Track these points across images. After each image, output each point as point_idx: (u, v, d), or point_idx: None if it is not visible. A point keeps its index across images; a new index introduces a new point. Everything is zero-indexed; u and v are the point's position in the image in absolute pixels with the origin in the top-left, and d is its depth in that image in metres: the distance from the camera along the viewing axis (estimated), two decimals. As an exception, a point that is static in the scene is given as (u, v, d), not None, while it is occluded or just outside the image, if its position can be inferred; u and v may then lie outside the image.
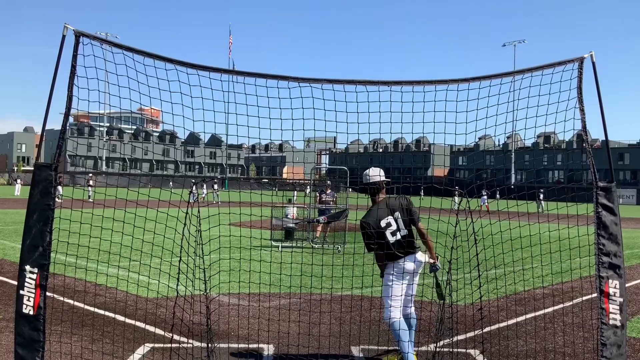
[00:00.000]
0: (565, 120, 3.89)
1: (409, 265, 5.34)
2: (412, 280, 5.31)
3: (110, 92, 4.12)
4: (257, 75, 3.68)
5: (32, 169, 3.74)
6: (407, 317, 5.37)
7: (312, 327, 6.79)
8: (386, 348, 6.20)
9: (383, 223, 5.34)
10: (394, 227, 5.33)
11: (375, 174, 5.49)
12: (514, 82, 4.16)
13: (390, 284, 5.24)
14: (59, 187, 35.61)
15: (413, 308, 5.46)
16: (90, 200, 24.45)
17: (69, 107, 3.70)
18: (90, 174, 47.32)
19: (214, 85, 3.87)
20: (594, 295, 8.45)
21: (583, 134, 3.98)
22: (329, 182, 18.34)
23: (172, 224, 4.05)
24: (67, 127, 4.23)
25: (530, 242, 5.47)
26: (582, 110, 3.95)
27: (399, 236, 5.34)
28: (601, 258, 3.76)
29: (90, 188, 35.86)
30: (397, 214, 5.37)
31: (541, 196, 34.61)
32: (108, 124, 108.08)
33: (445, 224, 4.11)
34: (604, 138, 4.00)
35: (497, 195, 37.37)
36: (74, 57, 3.69)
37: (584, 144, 4.01)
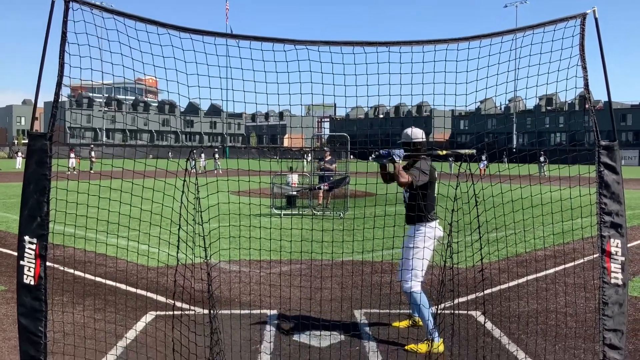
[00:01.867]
0: (567, 79, 3.82)
1: (439, 232, 5.30)
2: (431, 248, 5.23)
3: (104, 59, 4.03)
4: (253, 39, 3.59)
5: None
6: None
7: (314, 292, 6.84)
8: (388, 311, 6.25)
9: (436, 175, 5.25)
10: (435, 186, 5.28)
11: (419, 133, 5.30)
12: (515, 41, 4.07)
13: (420, 251, 5.02)
14: (72, 160, 35.65)
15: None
16: (92, 172, 24.50)
17: (61, 74, 3.63)
18: (92, 146, 47.18)
19: (210, 52, 3.79)
20: (596, 256, 8.50)
21: (585, 92, 3.91)
22: (327, 148, 18.27)
23: (173, 193, 4.03)
24: (64, 97, 4.16)
25: (531, 203, 5.45)
26: (584, 68, 3.87)
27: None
28: (603, 217, 3.74)
29: (91, 160, 35.84)
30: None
31: (542, 159, 34.50)
32: (107, 95, 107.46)
33: (445, 186, 4.08)
34: (606, 99, 3.93)
35: (505, 158, 37.14)
36: (64, 22, 3.60)
37: (586, 103, 3.95)
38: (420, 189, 5.10)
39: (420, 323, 5.56)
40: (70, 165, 33.47)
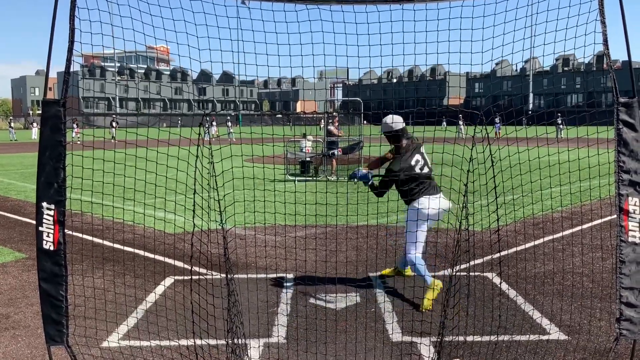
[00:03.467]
0: (585, 34, 3.70)
1: (445, 203, 5.50)
2: (436, 219, 5.42)
3: (114, 23, 4.00)
4: (262, -1, 3.53)
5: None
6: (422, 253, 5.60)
7: (330, 256, 6.89)
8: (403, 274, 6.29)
9: (413, 161, 5.45)
10: (422, 162, 5.49)
11: (399, 120, 5.51)
12: (533, -4, 3.95)
13: (413, 224, 5.39)
14: (113, 129, 35.94)
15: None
16: (113, 140, 24.65)
17: (72, 39, 3.60)
18: (114, 115, 47.32)
19: (220, 14, 3.73)
20: (612, 217, 8.44)
21: (604, 48, 3.80)
22: (335, 114, 18.12)
23: (187, 158, 4.04)
24: (77, 67, 4.14)
25: (548, 163, 5.38)
26: (603, 23, 3.75)
27: (427, 170, 5.50)
28: (621, 175, 3.68)
29: (113, 129, 36.10)
30: (423, 149, 5.59)
31: (559, 121, 33.93)
32: (119, 64, 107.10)
33: (461, 147, 4.03)
34: (624, 58, 3.83)
35: (524, 119, 36.58)
36: (73, -13, 3.56)
37: (605, 59, 3.84)
38: (405, 175, 5.38)
39: (407, 273, 6.21)
40: (73, 136, 33.70)
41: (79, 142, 4.59)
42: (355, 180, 5.56)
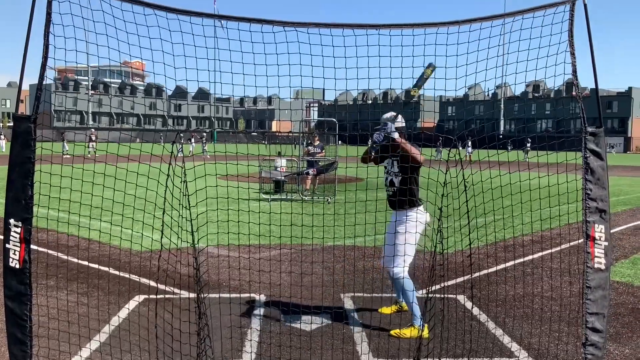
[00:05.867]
0: (556, 64, 3.81)
1: (428, 217, 5.29)
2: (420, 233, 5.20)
3: (89, 40, 3.97)
4: (241, 20, 3.55)
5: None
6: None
7: (303, 277, 6.86)
8: (374, 296, 6.29)
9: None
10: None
11: (399, 118, 5.24)
12: (504, 26, 4.06)
13: (411, 236, 5.02)
14: (65, 144, 35.31)
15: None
16: (89, 156, 24.27)
17: (45, 55, 3.56)
18: (92, 130, 46.50)
19: (197, 33, 3.74)
20: (579, 241, 8.59)
21: (573, 79, 3.92)
22: (316, 133, 18.19)
23: (158, 176, 4.00)
24: (49, 80, 4.09)
25: (520, 189, 5.48)
26: (572, 54, 3.88)
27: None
28: (588, 203, 3.77)
29: (91, 144, 35.34)
30: None
31: (528, 145, 34.71)
32: (93, 78, 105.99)
33: (435, 171, 4.08)
34: (592, 86, 3.96)
35: (509, 146, 37.13)
36: (49, 3, 3.53)
37: (574, 89, 3.96)
38: (412, 174, 5.11)
39: (406, 308, 5.61)
40: (64, 149, 33.26)
41: (90, 157, 4.50)
42: (383, 142, 5.02)
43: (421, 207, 5.25)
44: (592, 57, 3.83)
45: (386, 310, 5.87)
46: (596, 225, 3.75)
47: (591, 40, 3.87)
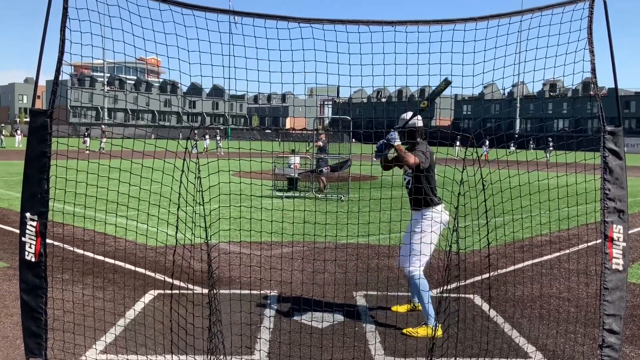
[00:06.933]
0: (574, 62, 3.76)
1: (445, 216, 5.24)
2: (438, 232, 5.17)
3: (105, 35, 3.98)
4: (255, 16, 3.53)
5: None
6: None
7: (315, 274, 6.85)
8: (387, 294, 6.26)
9: (435, 160, 5.19)
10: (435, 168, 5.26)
11: (418, 116, 5.21)
12: (521, 23, 4.00)
13: (427, 235, 4.98)
14: (87, 139, 35.75)
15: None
16: (103, 151, 24.50)
17: (62, 50, 3.59)
18: (103, 126, 47.02)
19: (213, 29, 3.73)
20: (595, 242, 8.48)
21: (592, 77, 3.85)
22: (321, 131, 18.13)
23: (173, 172, 4.01)
24: (66, 76, 4.11)
25: (538, 188, 5.43)
26: (591, 52, 3.82)
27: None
28: (606, 203, 3.71)
29: (103, 139, 35.77)
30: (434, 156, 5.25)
31: (551, 144, 34.21)
32: (108, 75, 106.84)
33: (452, 169, 4.04)
34: (609, 85, 3.91)
35: (513, 144, 36.51)
36: (65, -2, 3.55)
37: (592, 87, 3.90)
38: (424, 173, 5.07)
39: (420, 307, 5.56)
40: (86, 145, 33.68)
41: (103, 152, 4.55)
42: (386, 150, 5.06)
43: (439, 207, 5.20)
44: (611, 56, 3.76)
45: (399, 308, 5.84)
46: (614, 225, 3.69)
47: (611, 38, 3.81)
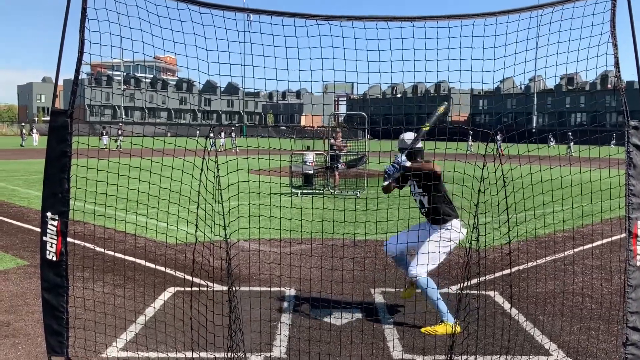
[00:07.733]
0: (597, 56, 3.69)
1: (462, 235, 5.22)
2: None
3: (123, 35, 4.00)
4: (273, 13, 3.53)
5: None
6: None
7: (333, 271, 6.84)
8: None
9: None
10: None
11: (418, 138, 5.23)
12: (539, 17, 3.94)
13: (442, 248, 5.02)
14: (104, 137, 36.22)
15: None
16: (121, 149, 24.82)
17: (81, 51, 3.61)
18: (120, 124, 47.49)
19: (230, 27, 3.73)
20: (615, 237, 8.35)
21: (615, 71, 3.78)
22: (338, 129, 18.09)
23: (192, 171, 4.02)
24: (83, 75, 4.14)
25: (561, 184, 5.36)
26: (615, 45, 3.74)
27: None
28: (631, 199, 3.64)
29: (120, 138, 36.18)
30: None
31: (571, 137, 33.63)
32: (125, 73, 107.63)
33: (472, 165, 3.99)
34: (628, 79, 3.82)
35: (552, 141, 35.70)
36: (84, -2, 3.57)
37: (616, 81, 3.82)
38: (435, 191, 5.04)
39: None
40: (105, 143, 34.13)
41: (106, 150, 4.61)
42: (396, 175, 5.08)
43: (456, 222, 5.16)
44: (635, 50, 3.68)
45: (405, 294, 5.79)
46: (639, 222, 3.63)
47: (634, 31, 3.74)
